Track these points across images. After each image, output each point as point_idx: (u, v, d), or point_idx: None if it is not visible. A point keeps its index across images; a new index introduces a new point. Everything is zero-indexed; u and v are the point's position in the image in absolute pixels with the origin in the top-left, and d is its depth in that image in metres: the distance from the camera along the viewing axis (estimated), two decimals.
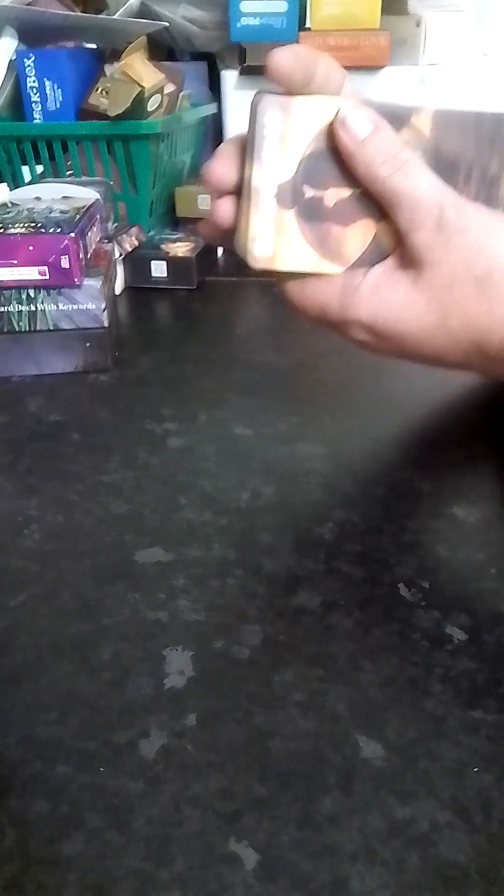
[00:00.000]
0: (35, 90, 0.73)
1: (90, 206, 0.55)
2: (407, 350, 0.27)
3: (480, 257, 0.25)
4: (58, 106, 0.74)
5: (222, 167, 0.26)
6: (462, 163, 0.26)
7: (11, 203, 0.57)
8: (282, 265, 0.27)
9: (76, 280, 0.49)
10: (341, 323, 0.27)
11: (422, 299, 0.26)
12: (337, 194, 0.26)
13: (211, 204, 0.27)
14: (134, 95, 0.70)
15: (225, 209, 0.27)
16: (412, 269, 0.26)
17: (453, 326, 0.26)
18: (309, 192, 0.26)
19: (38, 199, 0.58)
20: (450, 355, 0.27)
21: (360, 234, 0.26)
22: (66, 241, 0.48)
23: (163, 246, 0.69)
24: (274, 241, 0.26)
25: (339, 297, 0.27)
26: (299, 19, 0.84)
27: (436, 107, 0.26)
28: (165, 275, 0.67)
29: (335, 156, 0.26)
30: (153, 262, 0.67)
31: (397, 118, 0.26)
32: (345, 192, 0.26)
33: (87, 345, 0.51)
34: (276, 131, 0.25)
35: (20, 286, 0.49)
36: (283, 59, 0.24)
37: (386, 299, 0.26)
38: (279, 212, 0.26)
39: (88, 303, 0.50)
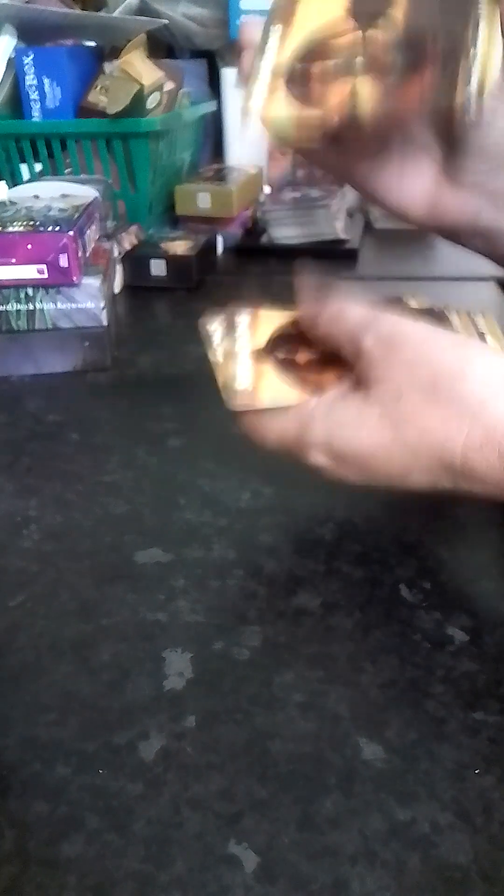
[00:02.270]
0: (34, 88, 0.73)
1: (89, 205, 0.55)
2: (370, 470, 0.27)
3: (422, 368, 0.25)
4: (57, 104, 0.74)
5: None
6: (432, 29, 0.29)
7: (10, 201, 0.56)
8: (261, 399, 0.30)
9: (75, 279, 0.49)
10: (300, 447, 0.28)
11: (373, 415, 0.26)
12: (306, 356, 0.30)
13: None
14: (133, 93, 0.69)
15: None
16: (361, 389, 0.27)
17: (410, 440, 0.25)
18: (281, 356, 0.30)
19: (36, 197, 0.58)
20: (414, 472, 0.26)
21: (331, 380, 0.29)
22: (65, 240, 0.48)
23: (162, 244, 0.69)
24: (253, 381, 0.30)
25: (294, 422, 0.28)
26: None
27: None
28: (165, 273, 0.67)
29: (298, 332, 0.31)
30: (152, 261, 0.67)
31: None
32: (312, 354, 0.30)
33: (86, 344, 0.51)
34: (278, 31, 0.32)
35: (19, 285, 0.49)
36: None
37: (339, 419, 0.27)
38: (256, 366, 0.30)
39: (87, 302, 0.50)
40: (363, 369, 0.27)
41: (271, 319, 0.32)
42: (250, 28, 0.33)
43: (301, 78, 0.31)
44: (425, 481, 0.26)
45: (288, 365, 0.30)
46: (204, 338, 0.32)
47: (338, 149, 0.35)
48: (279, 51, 0.32)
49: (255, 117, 0.31)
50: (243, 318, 0.32)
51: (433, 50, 0.29)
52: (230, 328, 0.32)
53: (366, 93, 0.30)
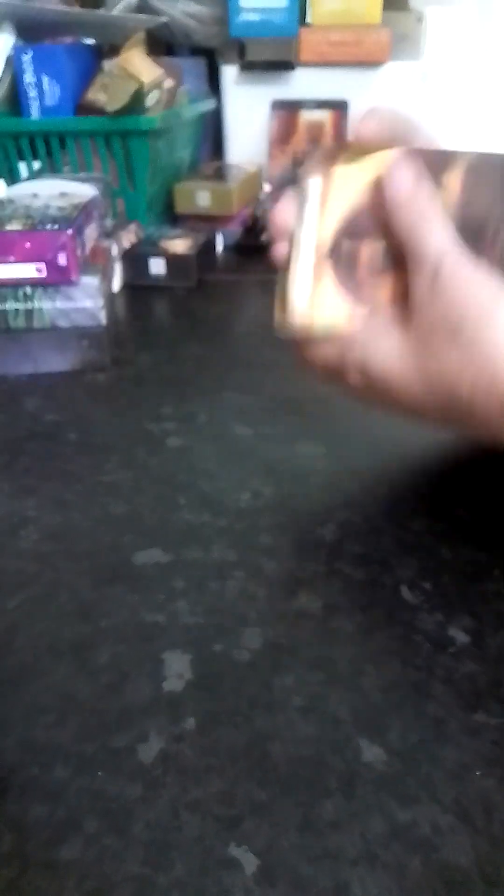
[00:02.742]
0: (32, 86, 0.73)
1: (88, 203, 0.55)
2: (393, 397, 0.28)
3: (455, 309, 0.26)
4: (55, 102, 0.73)
5: (285, 213, 0.29)
6: (490, 222, 0.27)
7: (8, 199, 0.56)
8: (317, 319, 0.29)
9: (73, 277, 0.49)
10: (340, 369, 0.29)
11: (406, 346, 0.27)
12: (371, 246, 0.28)
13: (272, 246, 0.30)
14: (132, 91, 0.69)
15: (282, 251, 0.29)
16: (409, 316, 0.27)
17: (430, 374, 0.27)
18: (346, 244, 0.28)
19: (35, 195, 0.58)
20: (429, 406, 0.27)
21: (388, 284, 0.28)
22: (64, 238, 0.47)
23: (161, 243, 0.68)
24: (311, 295, 0.28)
25: (339, 347, 0.29)
26: (300, 15, 0.83)
27: (467, 162, 0.27)
28: (164, 272, 0.67)
29: (374, 210, 0.28)
30: (152, 260, 0.67)
31: (436, 166, 0.27)
32: (378, 244, 0.28)
33: (85, 343, 0.50)
34: (317, 195, 0.28)
35: (17, 284, 0.49)
36: (368, 127, 0.28)
37: (379, 344, 0.28)
38: (318, 265, 0.28)
39: (86, 301, 0.50)
40: (413, 296, 0.27)
41: (347, 183, 0.28)
42: (283, 213, 0.29)
43: (348, 260, 0.28)
44: (436, 416, 0.28)
45: (350, 264, 0.28)
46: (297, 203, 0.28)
47: None
48: (320, 220, 0.28)
49: (299, 318, 0.29)
50: (314, 187, 0.28)
51: (492, 249, 0.27)
52: (301, 197, 0.28)
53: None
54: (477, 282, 0.26)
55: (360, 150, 0.28)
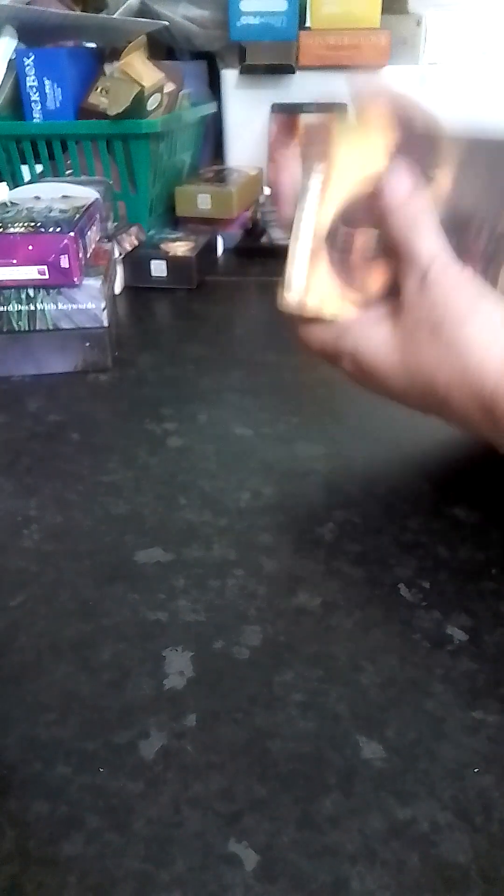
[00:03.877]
0: (35, 89, 0.73)
1: (90, 206, 0.55)
2: (379, 385, 0.30)
3: (438, 309, 0.28)
4: (57, 105, 0.74)
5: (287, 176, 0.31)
6: (475, 218, 0.29)
7: (11, 202, 0.57)
8: (311, 300, 0.30)
9: (76, 279, 0.49)
10: (335, 353, 0.31)
11: (393, 340, 0.29)
12: (366, 234, 0.30)
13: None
14: (133, 95, 0.69)
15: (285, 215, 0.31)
16: (397, 312, 0.29)
17: (411, 368, 0.29)
18: (343, 230, 0.30)
19: (37, 198, 0.58)
20: (410, 396, 0.30)
21: (380, 272, 0.30)
22: (66, 241, 0.48)
23: (162, 245, 0.69)
24: (307, 276, 0.30)
25: (334, 333, 0.31)
26: (299, 18, 0.84)
27: (459, 155, 0.29)
28: (165, 274, 0.67)
29: (371, 202, 0.29)
30: (153, 262, 0.67)
31: (429, 158, 0.29)
32: (372, 233, 0.30)
33: (87, 344, 0.51)
34: (318, 182, 0.29)
35: (19, 286, 0.49)
36: (371, 102, 0.29)
37: (370, 335, 0.30)
38: (316, 249, 0.30)
39: (88, 302, 0.50)
40: (404, 294, 0.29)
41: (349, 169, 0.29)
42: (286, 171, 0.31)
43: (343, 248, 0.30)
44: (418, 406, 0.30)
45: (344, 253, 0.30)
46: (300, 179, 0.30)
47: None
48: (320, 206, 0.30)
49: (296, 299, 0.30)
50: (315, 179, 0.29)
51: (475, 245, 0.29)
52: (304, 185, 0.29)
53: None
54: (460, 285, 0.28)
55: (360, 125, 0.29)
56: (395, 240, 0.29)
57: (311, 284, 0.30)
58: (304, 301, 0.30)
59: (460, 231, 0.29)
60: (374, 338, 0.30)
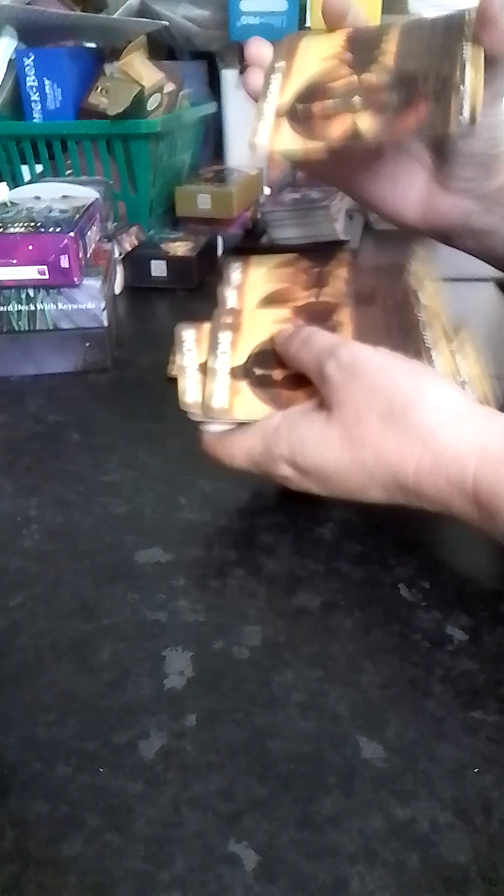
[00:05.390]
0: (35, 89, 0.73)
1: (90, 206, 0.55)
2: (330, 484, 0.29)
3: (378, 395, 0.27)
4: (57, 105, 0.74)
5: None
6: (421, 69, 0.33)
7: (11, 202, 0.57)
8: (276, 147, 0.34)
9: (76, 279, 0.49)
10: (268, 461, 0.30)
11: (334, 434, 0.28)
12: (282, 373, 0.32)
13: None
14: (133, 95, 0.69)
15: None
16: (325, 409, 0.29)
17: (367, 461, 0.27)
18: (259, 372, 0.33)
19: (37, 198, 0.58)
20: (371, 489, 0.28)
21: (303, 397, 0.31)
22: (66, 241, 0.48)
23: (162, 245, 0.69)
24: (271, 135, 0.34)
25: (260, 438, 0.30)
26: (299, 18, 0.84)
27: (401, 26, 0.35)
28: (165, 274, 0.67)
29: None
30: (153, 262, 0.67)
31: (377, 33, 0.35)
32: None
33: (87, 344, 0.51)
34: (281, 68, 0.36)
35: (19, 286, 0.49)
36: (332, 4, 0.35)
37: (303, 436, 0.29)
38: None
39: (88, 302, 0.50)
40: (327, 393, 0.29)
41: (253, 334, 0.34)
42: (257, 45, 0.37)
43: (303, 116, 0.34)
44: (382, 497, 0.28)
45: (264, 381, 0.32)
46: (176, 343, 0.34)
47: (335, 160, 0.36)
48: (281, 94, 0.35)
49: (263, 150, 0.34)
50: (225, 336, 0.34)
51: (425, 89, 0.32)
52: (213, 343, 0.34)
53: (365, 125, 0.33)
54: (389, 367, 0.28)
55: (319, 32, 0.36)
56: (299, 360, 0.31)
57: (274, 138, 0.34)
58: (270, 148, 0.34)
59: (411, 82, 0.32)
60: (311, 438, 0.28)
